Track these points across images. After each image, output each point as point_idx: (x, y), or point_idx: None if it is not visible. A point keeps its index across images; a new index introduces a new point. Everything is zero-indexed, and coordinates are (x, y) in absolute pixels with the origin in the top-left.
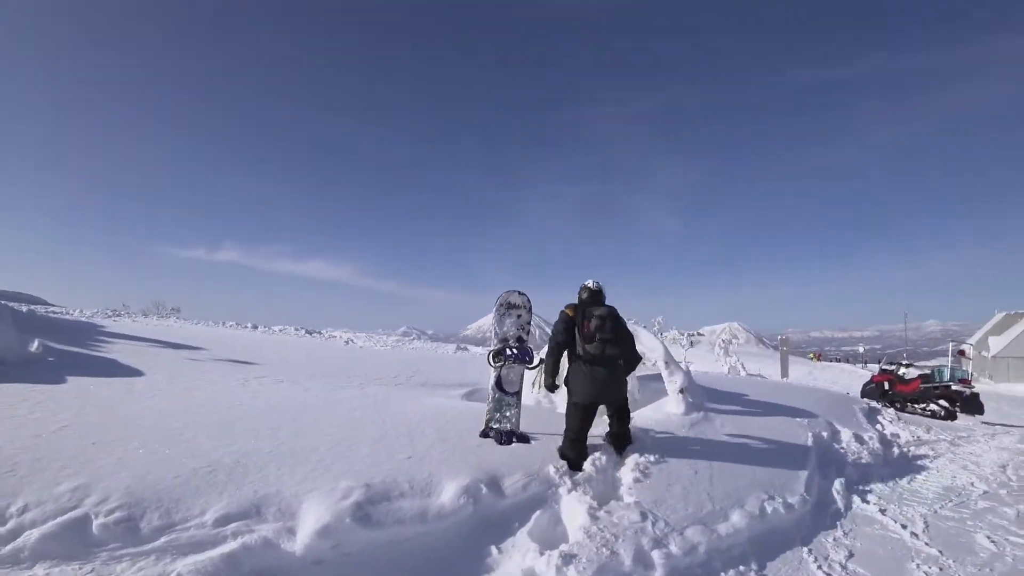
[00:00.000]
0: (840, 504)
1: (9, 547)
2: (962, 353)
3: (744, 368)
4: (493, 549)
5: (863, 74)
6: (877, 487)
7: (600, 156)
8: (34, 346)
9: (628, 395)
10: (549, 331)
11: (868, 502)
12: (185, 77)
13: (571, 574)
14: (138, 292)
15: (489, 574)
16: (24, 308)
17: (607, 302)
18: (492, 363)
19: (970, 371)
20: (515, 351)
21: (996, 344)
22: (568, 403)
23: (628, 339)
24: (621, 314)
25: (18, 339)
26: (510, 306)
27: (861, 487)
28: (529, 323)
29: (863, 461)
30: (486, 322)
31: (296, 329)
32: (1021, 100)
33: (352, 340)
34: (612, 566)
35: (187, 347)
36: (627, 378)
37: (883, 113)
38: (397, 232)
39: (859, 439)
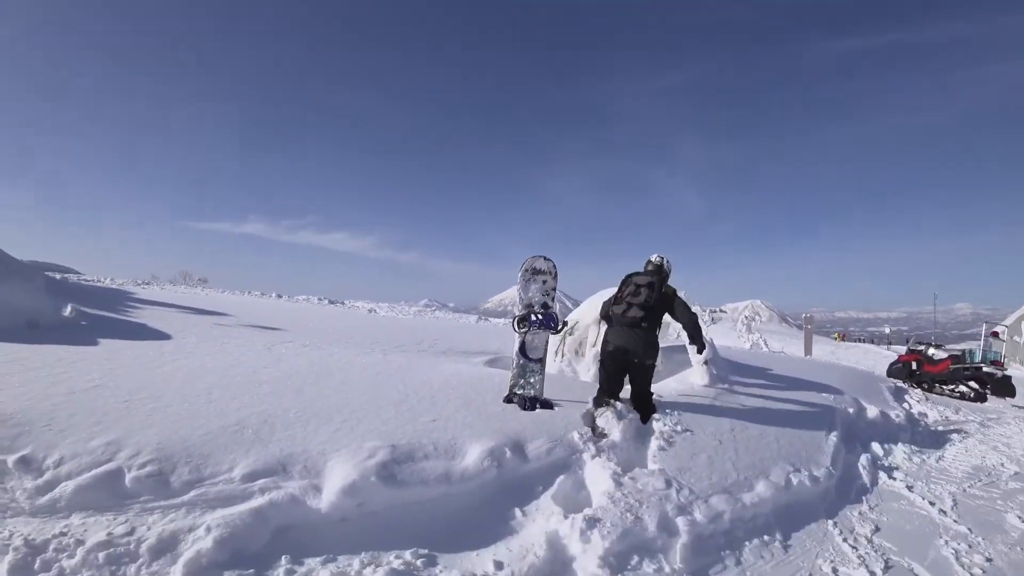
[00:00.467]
0: (866, 479)
1: (46, 497)
2: (995, 335)
3: (767, 345)
4: (517, 512)
5: (897, 44)
6: (904, 464)
7: (624, 132)
8: (67, 311)
9: (648, 362)
10: (569, 304)
11: (895, 478)
12: (211, 52)
13: (595, 537)
14: (166, 264)
15: (513, 536)
16: (57, 276)
17: (671, 281)
18: (517, 329)
19: (1003, 354)
20: (540, 317)
21: None
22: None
23: (665, 307)
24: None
25: (51, 303)
26: (535, 271)
27: (887, 463)
28: (555, 289)
29: (890, 438)
30: (508, 295)
31: (319, 299)
32: None
33: (375, 310)
34: (636, 531)
35: (214, 313)
36: (651, 344)
37: (914, 88)
38: (419, 205)
39: (885, 416)
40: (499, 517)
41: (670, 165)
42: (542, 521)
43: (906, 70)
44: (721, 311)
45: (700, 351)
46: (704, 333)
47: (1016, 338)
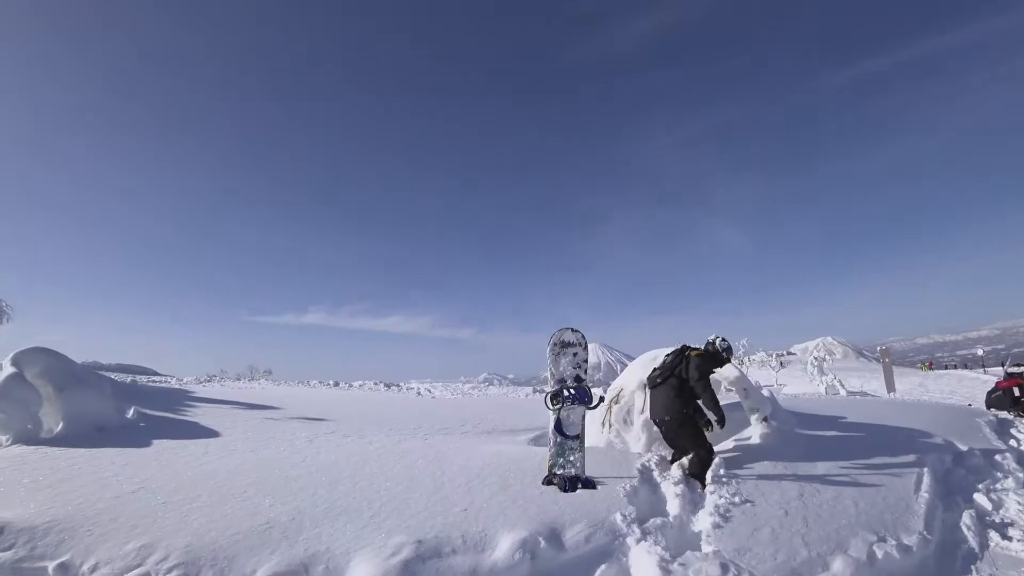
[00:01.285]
0: (973, 543)
1: None
2: None
3: (843, 386)
4: None
5: (940, 54)
6: (1019, 519)
7: (664, 183)
8: (130, 413)
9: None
10: (625, 364)
11: (1010, 539)
12: (254, 141)
13: None
14: (234, 358)
15: None
16: (128, 379)
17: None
18: (550, 406)
19: None
20: (573, 391)
21: None
22: None
23: (683, 374)
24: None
25: (116, 407)
26: (564, 344)
27: (998, 519)
28: (586, 360)
29: (998, 487)
30: None
31: (375, 383)
32: None
33: (430, 391)
34: None
35: (265, 407)
36: (669, 400)
37: (959, 94)
38: (472, 282)
39: (989, 458)
40: None
41: (713, 208)
42: None
43: (959, 72)
44: (789, 353)
45: (718, 423)
46: (773, 383)
47: None
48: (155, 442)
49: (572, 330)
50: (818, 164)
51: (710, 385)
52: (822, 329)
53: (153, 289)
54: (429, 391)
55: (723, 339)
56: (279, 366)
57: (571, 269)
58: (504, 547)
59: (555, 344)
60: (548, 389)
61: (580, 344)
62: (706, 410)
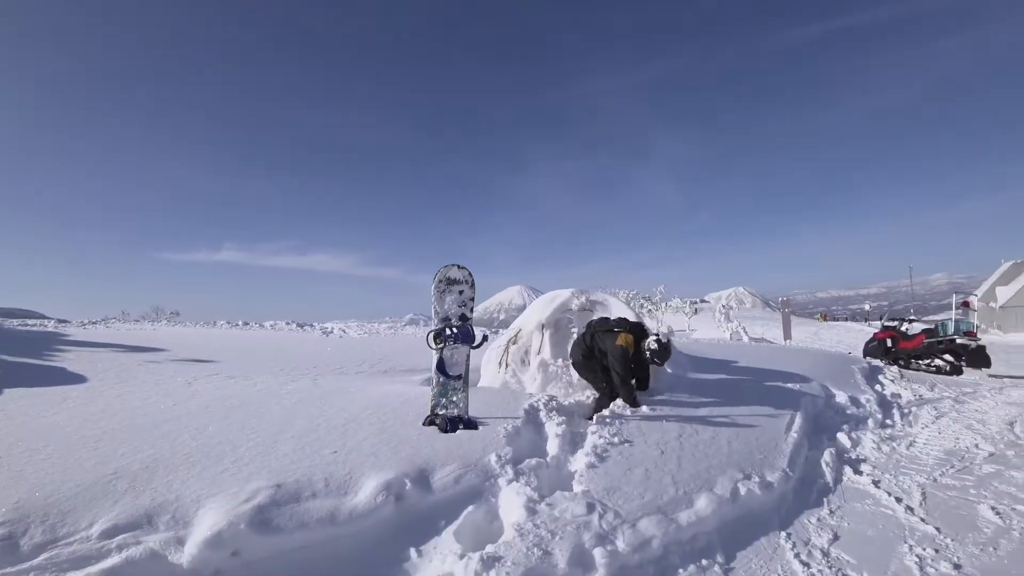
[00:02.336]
0: (829, 478)
1: None
2: (966, 304)
3: (746, 333)
4: (412, 552)
5: (861, 25)
6: (872, 455)
7: (599, 130)
8: None
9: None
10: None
11: (861, 473)
12: (173, 76)
13: None
14: (141, 298)
15: None
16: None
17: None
18: (432, 345)
19: (976, 323)
20: (456, 330)
21: (1004, 294)
22: None
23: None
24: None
25: None
26: (450, 281)
27: (855, 456)
28: (472, 299)
29: (859, 427)
30: (493, 302)
31: (287, 323)
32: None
33: (344, 331)
34: (542, 569)
35: (148, 350)
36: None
37: (884, 67)
38: (397, 220)
39: (855, 402)
40: (391, 560)
41: (646, 160)
42: (438, 562)
43: (872, 51)
44: (702, 301)
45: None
46: (685, 328)
47: (992, 303)
48: (6, 391)
49: (458, 267)
50: (752, 124)
51: (629, 379)
52: (736, 279)
53: (42, 224)
54: (343, 331)
55: (657, 340)
56: (190, 308)
57: (504, 211)
58: (367, 490)
59: (440, 281)
60: (432, 328)
61: (467, 282)
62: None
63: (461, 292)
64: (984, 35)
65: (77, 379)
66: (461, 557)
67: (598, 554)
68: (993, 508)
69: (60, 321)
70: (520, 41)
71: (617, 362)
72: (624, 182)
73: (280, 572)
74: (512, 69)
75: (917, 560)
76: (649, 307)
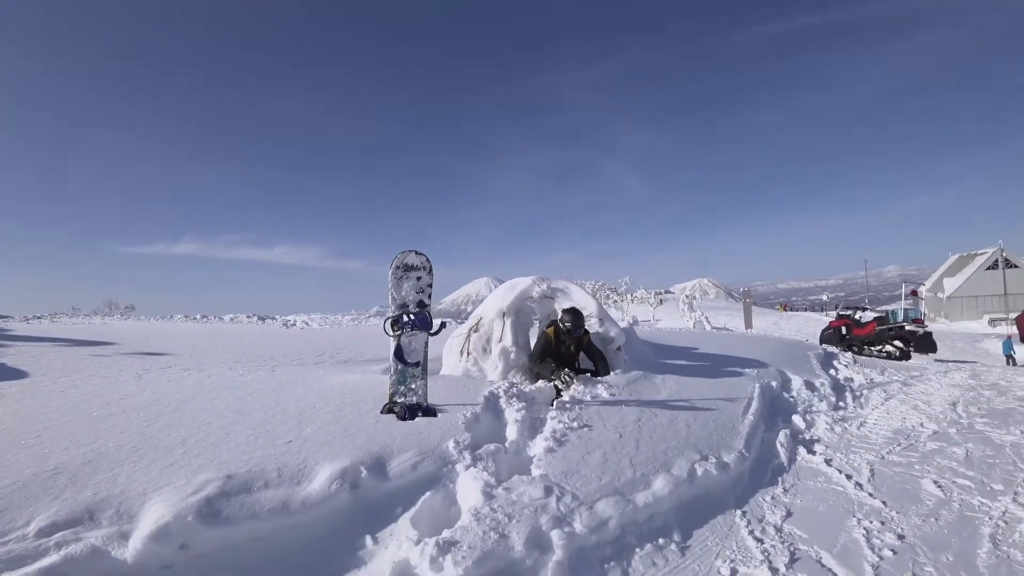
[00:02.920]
0: (783, 458)
1: None
2: (915, 294)
3: (709, 322)
4: (368, 540)
5: (820, 26)
6: (825, 436)
7: (567, 123)
8: None
9: None
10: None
11: (814, 453)
12: (125, 61)
13: (447, 564)
14: (94, 293)
15: (359, 569)
16: None
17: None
18: (390, 332)
19: (924, 311)
20: (414, 317)
21: (950, 285)
22: None
23: None
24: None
25: None
26: (408, 268)
27: (808, 437)
28: (430, 286)
29: (813, 409)
30: (461, 293)
31: (248, 316)
32: (971, 49)
33: (307, 323)
34: (499, 552)
35: (97, 343)
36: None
37: (839, 66)
38: (362, 212)
39: (810, 386)
40: (346, 549)
41: (613, 152)
42: (393, 549)
43: (829, 50)
44: (667, 292)
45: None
46: (650, 318)
47: (940, 294)
48: None
49: (416, 253)
50: (715, 119)
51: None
52: (700, 271)
53: None
54: (306, 323)
55: (566, 320)
56: (146, 301)
57: (470, 204)
58: (322, 478)
59: (397, 267)
60: (388, 315)
61: (424, 268)
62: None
63: (419, 279)
64: (932, 40)
65: (16, 375)
66: (417, 543)
67: (555, 536)
68: (935, 482)
69: (1, 316)
70: (488, 33)
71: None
72: (591, 174)
73: (232, 564)
74: (479, 61)
75: (864, 532)
76: (615, 298)
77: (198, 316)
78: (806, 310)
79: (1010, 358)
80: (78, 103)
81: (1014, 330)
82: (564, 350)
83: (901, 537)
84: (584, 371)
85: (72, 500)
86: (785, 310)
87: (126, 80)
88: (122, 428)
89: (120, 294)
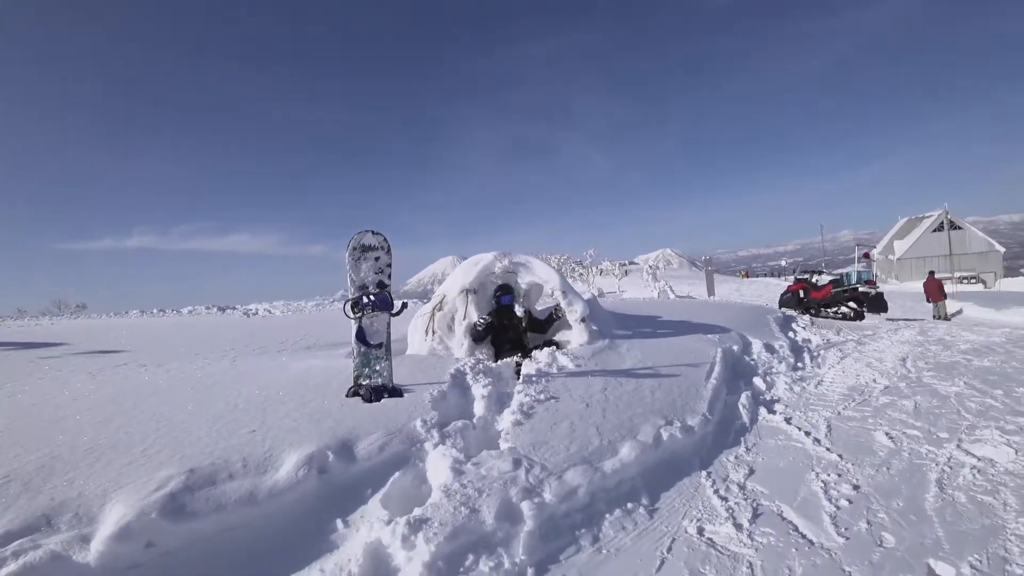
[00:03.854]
0: (746, 419)
1: None
2: (867, 256)
3: (673, 291)
4: (339, 523)
5: None
6: (785, 396)
7: (525, 98)
8: None
9: None
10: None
11: (775, 412)
12: (68, 45)
13: (419, 542)
14: (41, 293)
15: (331, 553)
16: None
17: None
18: (350, 314)
19: (876, 273)
20: (374, 298)
21: (900, 247)
22: None
23: None
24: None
25: None
26: (365, 248)
27: (769, 397)
28: (389, 265)
29: (773, 371)
30: (427, 273)
31: (207, 308)
32: (921, 19)
33: (269, 311)
34: (470, 527)
35: (45, 345)
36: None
37: (796, 38)
38: (321, 195)
39: (770, 349)
40: (316, 533)
41: (573, 127)
42: (364, 531)
43: (787, 21)
44: (632, 263)
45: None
46: (615, 289)
47: (890, 256)
48: None
49: (373, 232)
50: (673, 92)
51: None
52: (663, 242)
53: None
54: (269, 311)
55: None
56: (99, 299)
57: (432, 183)
58: (288, 465)
59: (354, 248)
60: (348, 297)
61: (383, 248)
62: None
63: (377, 259)
64: (884, 11)
65: None
66: (388, 523)
67: (525, 507)
68: (887, 434)
69: None
70: (444, 11)
71: None
72: (552, 150)
73: (202, 557)
74: (436, 38)
75: (823, 485)
76: (580, 271)
77: (154, 311)
78: (766, 276)
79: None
80: (11, 90)
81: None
82: (509, 324)
83: (856, 487)
84: (537, 347)
85: (27, 507)
86: (746, 276)
87: (68, 65)
88: (76, 430)
89: (69, 293)
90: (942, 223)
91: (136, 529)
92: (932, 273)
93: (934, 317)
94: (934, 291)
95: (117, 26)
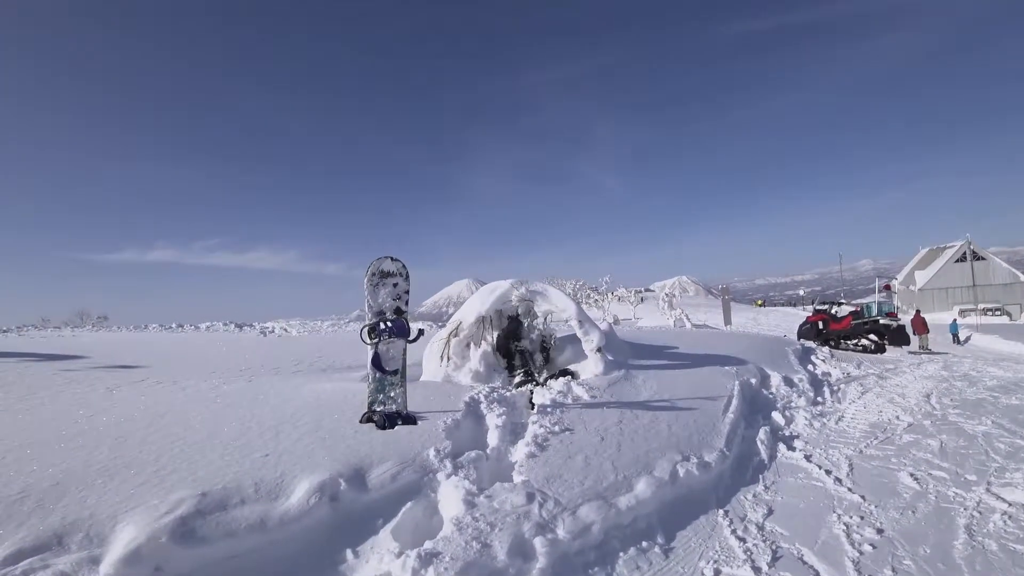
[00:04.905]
0: (764, 455)
1: None
2: (888, 287)
3: (689, 319)
4: (348, 554)
5: (795, 24)
6: (805, 431)
7: (543, 122)
8: None
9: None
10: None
11: (794, 449)
12: (93, 57)
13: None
14: (65, 303)
15: None
16: None
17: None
18: (367, 340)
19: (897, 304)
20: (391, 324)
21: (922, 278)
22: None
23: None
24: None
25: None
26: (384, 274)
27: (788, 433)
28: (407, 292)
29: (792, 405)
30: (442, 295)
31: (225, 324)
32: (942, 46)
33: (286, 329)
34: (482, 562)
35: (66, 358)
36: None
37: (817, 62)
38: (340, 214)
39: (789, 382)
40: (326, 563)
41: (590, 152)
42: (375, 563)
43: (802, 48)
44: (647, 290)
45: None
46: (631, 316)
47: (912, 286)
48: None
49: (392, 259)
50: (690, 118)
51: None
52: (680, 269)
53: None
54: (285, 330)
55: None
56: (119, 311)
57: (449, 205)
58: (300, 492)
59: (373, 274)
60: (365, 322)
61: (401, 274)
62: None
63: (395, 285)
64: (901, 38)
65: None
66: (399, 555)
67: (538, 543)
68: (912, 475)
69: None
70: (461, 35)
71: None
72: (568, 174)
73: None
74: (454, 62)
75: (845, 528)
76: (596, 297)
77: (173, 325)
78: (784, 305)
79: (955, 336)
80: (40, 100)
81: (957, 315)
82: (513, 349)
83: (880, 531)
84: (552, 376)
85: (39, 525)
86: (763, 305)
87: (94, 77)
88: (92, 447)
89: (93, 303)
90: (965, 253)
91: (145, 553)
92: (919, 311)
93: (919, 347)
94: (919, 326)
95: (146, 44)
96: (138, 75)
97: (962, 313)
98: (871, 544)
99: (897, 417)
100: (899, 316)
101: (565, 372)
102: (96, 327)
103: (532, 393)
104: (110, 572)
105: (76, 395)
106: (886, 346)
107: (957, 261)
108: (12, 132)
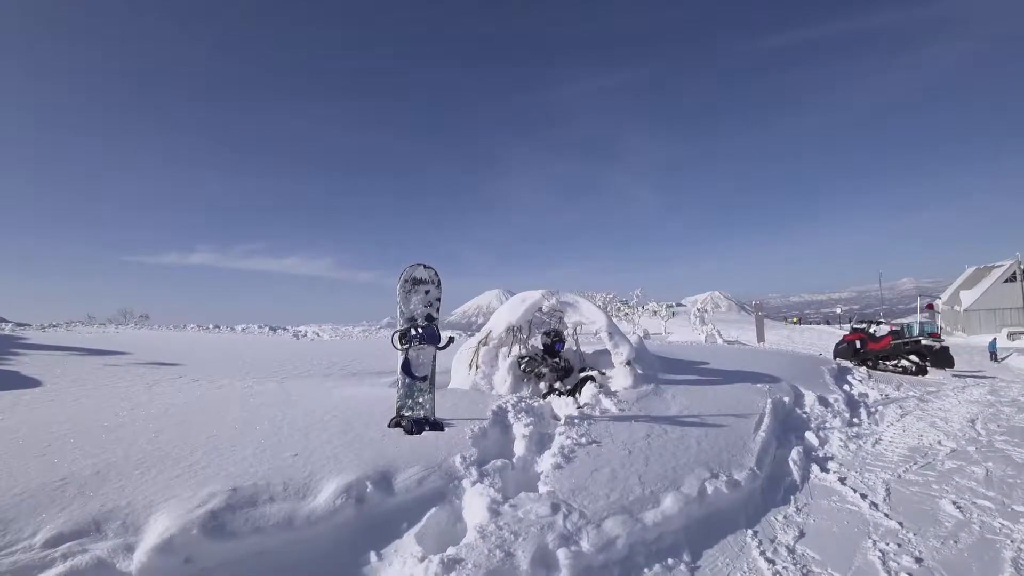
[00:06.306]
0: (796, 476)
1: None
2: (931, 307)
3: (721, 335)
4: (372, 556)
5: (835, 35)
6: (839, 453)
7: (577, 134)
8: None
9: None
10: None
11: (828, 471)
12: (141, 71)
13: None
14: (109, 302)
15: None
16: None
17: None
18: (398, 346)
19: (940, 325)
20: (422, 331)
21: (967, 298)
22: None
23: None
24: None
25: None
26: (416, 281)
27: (822, 454)
28: (439, 299)
29: (827, 426)
30: (472, 305)
31: (260, 327)
32: (987, 59)
33: (318, 334)
34: (504, 570)
35: (110, 353)
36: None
37: (855, 75)
38: (373, 223)
39: (824, 402)
40: (350, 564)
41: (624, 164)
42: (398, 566)
43: (846, 59)
44: (679, 304)
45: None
46: (661, 331)
47: (956, 307)
48: None
49: (424, 266)
50: (726, 130)
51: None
52: (713, 284)
53: (3, 226)
54: (317, 334)
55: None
56: (160, 311)
57: (481, 215)
58: (327, 493)
59: (406, 281)
60: (396, 328)
61: (433, 282)
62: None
63: (427, 292)
64: (942, 51)
65: (31, 383)
66: (421, 560)
67: (562, 555)
68: (954, 503)
69: (19, 324)
70: (497, 45)
71: None
72: (601, 186)
73: None
74: (490, 72)
75: (880, 555)
76: (626, 310)
77: (210, 326)
78: (820, 323)
79: (993, 355)
80: (90, 112)
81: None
82: (553, 366)
83: (919, 560)
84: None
85: (79, 511)
86: (798, 323)
87: (139, 89)
88: (131, 439)
89: (135, 303)
90: (1014, 273)
91: (178, 543)
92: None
93: None
94: None
95: (188, 55)
96: (181, 85)
97: (1011, 336)
98: (908, 573)
99: (939, 442)
100: (942, 337)
101: (588, 378)
102: (138, 325)
103: (579, 393)
104: (143, 560)
105: (118, 389)
106: (928, 368)
107: (1006, 281)
108: (64, 147)
